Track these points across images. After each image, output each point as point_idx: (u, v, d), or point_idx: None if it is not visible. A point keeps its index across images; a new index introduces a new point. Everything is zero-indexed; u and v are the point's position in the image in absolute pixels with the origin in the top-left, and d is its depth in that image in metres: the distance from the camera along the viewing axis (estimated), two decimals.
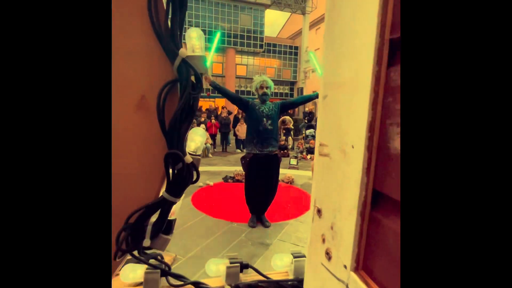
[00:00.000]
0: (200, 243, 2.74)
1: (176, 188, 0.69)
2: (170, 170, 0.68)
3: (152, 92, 0.66)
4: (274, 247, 2.71)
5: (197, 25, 18.25)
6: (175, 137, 0.65)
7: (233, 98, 3.14)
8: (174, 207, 0.76)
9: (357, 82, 0.49)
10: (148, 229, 0.70)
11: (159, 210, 0.71)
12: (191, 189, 4.44)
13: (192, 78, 0.68)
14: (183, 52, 0.63)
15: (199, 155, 0.74)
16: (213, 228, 3.09)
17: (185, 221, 3.24)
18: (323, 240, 0.64)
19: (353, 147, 0.51)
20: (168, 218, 0.73)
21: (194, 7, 18.16)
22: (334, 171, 0.59)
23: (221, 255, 2.50)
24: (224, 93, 3.09)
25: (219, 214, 3.51)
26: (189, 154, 0.72)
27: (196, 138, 0.75)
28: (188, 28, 0.71)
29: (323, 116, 0.64)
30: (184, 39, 0.72)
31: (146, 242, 0.69)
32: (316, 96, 3.23)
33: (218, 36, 2.52)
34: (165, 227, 0.72)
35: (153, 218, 0.73)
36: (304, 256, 0.90)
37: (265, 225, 3.18)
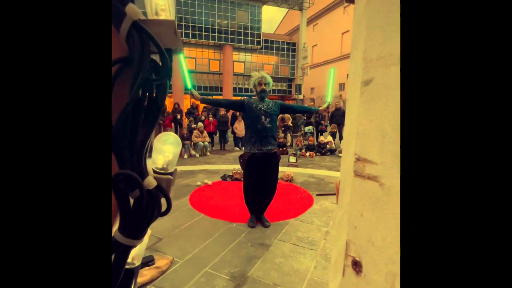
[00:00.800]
0: (198, 244, 2.62)
1: (134, 225, 0.45)
2: (124, 200, 0.44)
3: None
4: (274, 248, 2.60)
5: (193, 22, 18.05)
6: (126, 148, 0.41)
7: (228, 105, 3.07)
8: (137, 249, 0.52)
9: None
10: None
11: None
12: (188, 189, 4.35)
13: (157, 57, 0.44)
14: (133, 10, 0.38)
15: (170, 173, 0.49)
16: (211, 229, 2.97)
17: (182, 222, 3.12)
18: None
19: None
20: (127, 266, 0.49)
21: (190, 3, 17.90)
22: (391, 208, 0.35)
23: (220, 257, 2.40)
24: (216, 104, 3.02)
25: (217, 214, 3.38)
26: (155, 172, 0.48)
27: (166, 149, 0.49)
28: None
29: (366, 113, 0.40)
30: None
31: None
32: (317, 111, 3.18)
33: (182, 59, 1.96)
34: (121, 280, 0.48)
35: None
36: None
37: (264, 225, 3.07)
